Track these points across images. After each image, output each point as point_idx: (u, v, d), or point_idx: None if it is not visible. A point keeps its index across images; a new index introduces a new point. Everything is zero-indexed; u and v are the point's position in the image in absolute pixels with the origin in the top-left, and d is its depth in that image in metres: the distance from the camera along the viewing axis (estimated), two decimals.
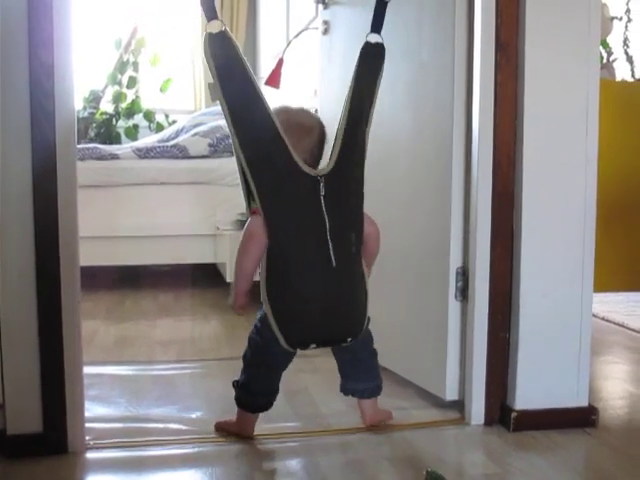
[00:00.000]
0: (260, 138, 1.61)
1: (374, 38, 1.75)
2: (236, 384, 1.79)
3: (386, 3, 1.75)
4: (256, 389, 1.77)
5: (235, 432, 1.81)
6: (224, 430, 1.83)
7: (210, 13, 1.56)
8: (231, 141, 1.61)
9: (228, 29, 1.58)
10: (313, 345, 1.68)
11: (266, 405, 1.78)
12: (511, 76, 1.84)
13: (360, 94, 1.72)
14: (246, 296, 1.69)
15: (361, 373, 1.84)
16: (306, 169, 1.61)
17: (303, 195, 1.62)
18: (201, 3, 1.56)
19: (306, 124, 1.72)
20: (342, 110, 1.70)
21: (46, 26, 1.62)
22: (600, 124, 1.87)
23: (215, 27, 1.55)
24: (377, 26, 1.75)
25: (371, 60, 1.75)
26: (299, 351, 1.72)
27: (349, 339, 1.70)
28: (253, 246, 1.62)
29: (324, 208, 1.61)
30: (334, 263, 1.62)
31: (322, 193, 1.61)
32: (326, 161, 1.69)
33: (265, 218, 1.60)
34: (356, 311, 1.71)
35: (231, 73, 1.57)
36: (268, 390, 1.77)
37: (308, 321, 1.65)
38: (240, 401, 1.78)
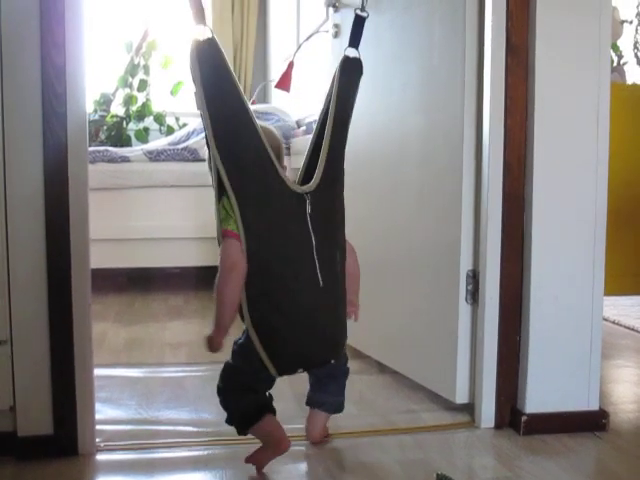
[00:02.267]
0: (245, 154, 1.51)
1: (352, 53, 1.70)
2: (230, 421, 1.67)
3: (364, 18, 1.71)
4: (250, 411, 1.64)
5: (273, 454, 1.66)
6: (259, 461, 1.67)
7: (199, 18, 1.46)
8: (211, 154, 1.50)
9: (215, 36, 1.48)
10: (300, 370, 1.64)
11: (266, 412, 1.65)
12: (522, 78, 1.84)
13: (344, 110, 1.66)
14: (228, 330, 1.53)
15: (331, 388, 1.79)
16: (293, 186, 1.55)
17: (290, 213, 1.54)
18: (190, 5, 1.46)
19: (277, 142, 1.66)
20: (324, 125, 1.64)
21: (58, 29, 1.63)
22: (610, 127, 1.87)
23: (202, 33, 1.45)
24: (355, 41, 1.70)
25: (350, 75, 1.68)
26: None
27: (332, 361, 1.67)
28: (237, 275, 1.49)
29: (310, 226, 1.55)
30: (321, 283, 1.55)
31: (308, 211, 1.55)
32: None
33: (247, 240, 1.49)
34: (341, 332, 1.66)
35: (217, 84, 1.48)
36: (262, 405, 1.66)
37: (298, 346, 1.57)
38: (241, 426, 1.66)
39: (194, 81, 1.48)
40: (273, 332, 1.54)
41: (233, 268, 1.49)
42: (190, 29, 1.47)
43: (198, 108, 1.49)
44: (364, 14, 1.70)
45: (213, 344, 1.53)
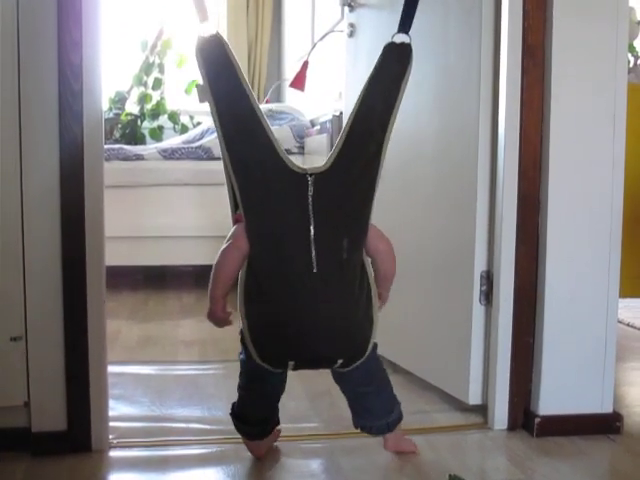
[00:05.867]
0: (246, 139, 1.50)
1: (400, 38, 1.58)
2: (231, 411, 1.72)
3: (417, 0, 1.58)
4: (245, 414, 1.69)
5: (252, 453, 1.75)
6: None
7: (202, 15, 1.50)
8: (219, 143, 1.53)
9: (219, 32, 1.52)
10: (291, 363, 1.52)
11: (257, 434, 1.71)
12: (538, 79, 1.83)
13: (373, 96, 1.57)
14: (223, 301, 1.52)
15: (365, 411, 1.69)
16: (294, 167, 1.50)
17: (287, 195, 1.49)
18: (195, 5, 1.50)
19: None
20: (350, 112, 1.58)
21: (75, 27, 1.64)
22: (627, 128, 1.86)
23: (207, 29, 1.50)
24: (405, 26, 1.58)
25: (392, 62, 1.58)
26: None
27: (339, 360, 1.53)
28: (232, 252, 1.49)
29: (311, 209, 1.47)
30: (315, 269, 1.46)
31: (310, 192, 1.48)
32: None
33: (246, 222, 1.49)
34: (348, 327, 1.51)
35: (220, 76, 1.51)
36: (258, 417, 1.70)
37: (282, 335, 1.49)
38: (237, 428, 1.71)
39: (200, 74, 1.51)
40: (258, 318, 1.50)
41: (231, 244, 1.50)
42: (195, 27, 1.51)
43: (201, 101, 1.53)
44: None
45: (215, 317, 1.53)
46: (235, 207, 1.54)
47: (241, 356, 1.61)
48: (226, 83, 1.51)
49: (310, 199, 1.48)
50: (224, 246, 1.51)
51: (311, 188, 1.48)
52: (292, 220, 1.48)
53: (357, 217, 1.54)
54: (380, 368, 1.68)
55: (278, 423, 1.74)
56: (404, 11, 1.59)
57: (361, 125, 1.56)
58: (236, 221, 1.54)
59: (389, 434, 1.73)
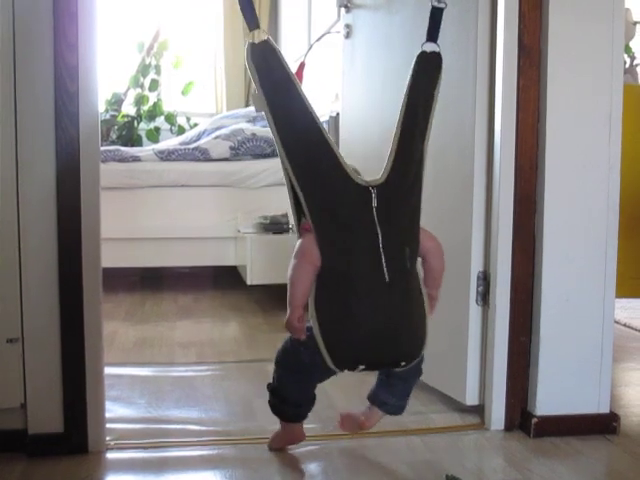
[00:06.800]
0: (308, 148, 1.50)
1: (430, 47, 1.62)
2: (269, 388, 1.73)
3: (442, 10, 1.64)
4: (288, 396, 1.71)
5: (287, 443, 1.78)
6: (278, 446, 1.79)
7: (252, 23, 1.49)
8: (277, 151, 1.52)
9: (271, 38, 1.51)
10: (362, 367, 1.54)
11: (301, 414, 1.74)
12: (534, 80, 1.83)
13: (414, 106, 1.60)
14: (301, 310, 1.51)
15: (398, 389, 1.74)
16: (357, 179, 1.51)
17: (355, 206, 1.51)
18: (243, 13, 1.50)
19: None
20: (396, 122, 1.59)
21: (71, 28, 1.63)
22: (623, 129, 1.86)
23: (257, 37, 1.49)
24: (433, 34, 1.63)
25: (426, 71, 1.62)
26: None
27: (402, 363, 1.57)
28: (307, 260, 1.49)
29: (376, 220, 1.49)
30: (387, 278, 1.48)
31: (374, 204, 1.50)
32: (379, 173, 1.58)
33: (316, 233, 1.48)
34: (411, 332, 1.55)
35: (275, 83, 1.49)
36: (301, 398, 1.72)
37: (357, 341, 1.50)
38: (274, 408, 1.74)
39: (253, 81, 1.50)
40: (333, 325, 1.50)
41: (303, 256, 1.50)
42: (245, 35, 1.50)
43: (257, 111, 1.52)
44: (442, 5, 1.62)
45: (291, 326, 1.53)
46: (298, 215, 1.55)
47: (299, 346, 1.60)
48: (282, 92, 1.50)
49: (375, 211, 1.50)
50: (296, 261, 1.51)
51: (375, 200, 1.50)
52: (362, 232, 1.50)
53: (413, 226, 1.58)
54: (422, 360, 1.70)
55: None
56: (431, 20, 1.63)
57: (408, 136, 1.58)
58: (304, 230, 1.54)
59: (375, 420, 1.78)
